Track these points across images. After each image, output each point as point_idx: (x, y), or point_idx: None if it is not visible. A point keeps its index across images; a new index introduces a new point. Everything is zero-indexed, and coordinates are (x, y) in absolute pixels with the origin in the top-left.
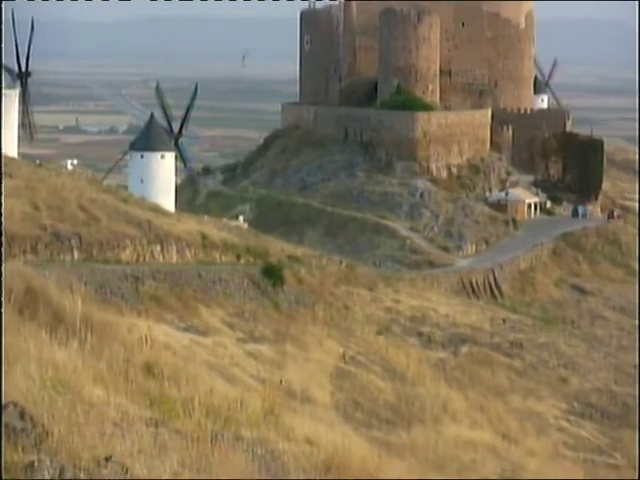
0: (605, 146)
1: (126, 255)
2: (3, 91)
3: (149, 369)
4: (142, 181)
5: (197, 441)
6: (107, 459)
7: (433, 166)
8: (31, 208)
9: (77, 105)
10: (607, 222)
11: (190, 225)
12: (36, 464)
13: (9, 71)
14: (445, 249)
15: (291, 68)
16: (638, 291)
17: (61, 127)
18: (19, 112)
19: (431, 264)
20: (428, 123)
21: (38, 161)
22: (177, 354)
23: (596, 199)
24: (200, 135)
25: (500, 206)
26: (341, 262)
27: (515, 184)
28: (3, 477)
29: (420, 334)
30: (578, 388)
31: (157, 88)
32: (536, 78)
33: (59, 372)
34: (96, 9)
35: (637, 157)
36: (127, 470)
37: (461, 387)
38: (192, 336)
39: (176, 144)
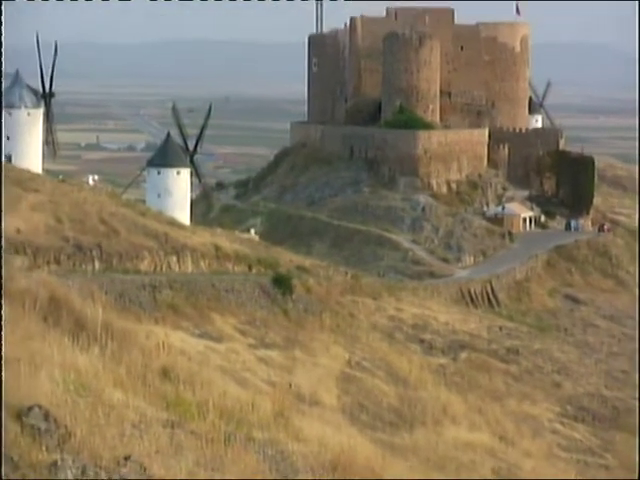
0: (596, 163)
1: (144, 265)
2: (28, 110)
3: (166, 373)
4: (159, 196)
5: (211, 442)
6: (126, 459)
7: (434, 182)
8: (55, 221)
9: (98, 124)
10: (598, 235)
11: (204, 237)
12: (59, 463)
13: (34, 91)
14: (445, 260)
15: (299, 89)
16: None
17: (83, 144)
18: (43, 130)
19: (432, 275)
20: (429, 141)
21: (61, 177)
22: (192, 359)
23: (587, 213)
24: (214, 152)
25: (497, 220)
26: (347, 273)
27: (511, 199)
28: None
29: (422, 341)
30: (571, 392)
31: (173, 108)
32: (531, 99)
33: (81, 376)
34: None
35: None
36: (145, 469)
37: (460, 391)
38: (206, 342)
39: (191, 161)
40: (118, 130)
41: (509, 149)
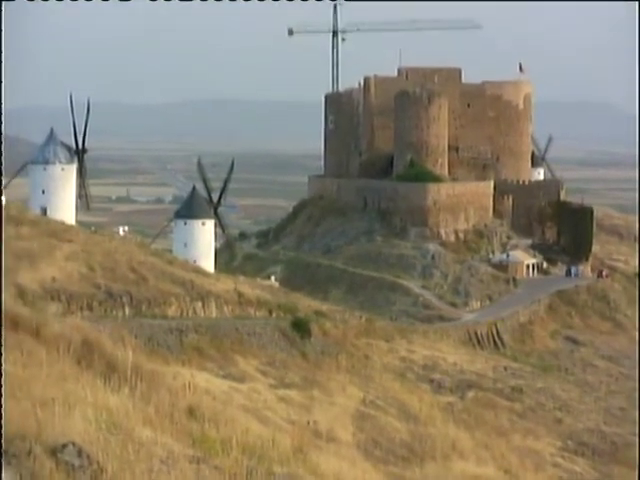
0: (595, 213)
1: (171, 311)
2: (62, 166)
3: (192, 412)
4: (185, 245)
5: (234, 476)
6: None
7: (442, 231)
8: (87, 269)
9: (128, 178)
10: (597, 281)
11: (228, 284)
12: None
13: (68, 148)
14: (453, 305)
15: (316, 145)
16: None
17: (114, 197)
18: (77, 184)
19: (441, 318)
20: (438, 193)
21: (93, 228)
22: (217, 399)
23: (587, 260)
24: (237, 204)
25: (502, 266)
26: (361, 317)
27: (515, 247)
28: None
29: (431, 380)
30: (572, 428)
31: (199, 163)
32: (533, 153)
33: (112, 415)
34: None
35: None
36: None
37: (468, 427)
38: (230, 383)
39: (215, 212)
40: (147, 184)
41: (513, 200)
